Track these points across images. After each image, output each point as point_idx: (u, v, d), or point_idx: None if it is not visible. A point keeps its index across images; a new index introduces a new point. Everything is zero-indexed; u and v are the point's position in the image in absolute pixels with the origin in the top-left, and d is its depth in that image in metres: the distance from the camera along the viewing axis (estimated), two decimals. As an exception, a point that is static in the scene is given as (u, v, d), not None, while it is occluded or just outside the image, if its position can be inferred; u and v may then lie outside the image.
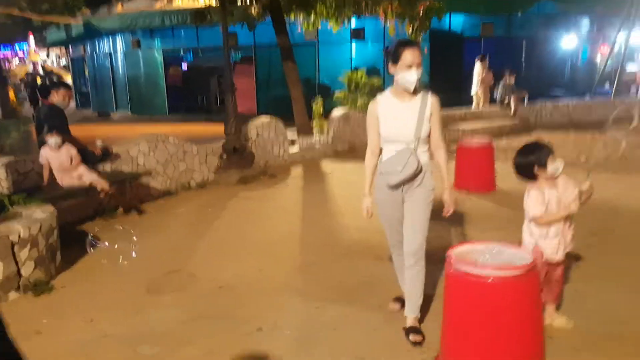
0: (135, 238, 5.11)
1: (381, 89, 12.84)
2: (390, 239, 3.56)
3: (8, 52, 34.72)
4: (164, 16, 16.32)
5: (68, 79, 25.39)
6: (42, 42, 28.59)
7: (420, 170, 3.25)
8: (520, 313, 2.68)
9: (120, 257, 4.66)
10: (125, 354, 3.37)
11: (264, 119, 9.65)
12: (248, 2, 11.32)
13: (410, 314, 3.40)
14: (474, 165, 7.34)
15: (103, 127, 15.97)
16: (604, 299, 3.76)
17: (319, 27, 11.63)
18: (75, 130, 6.55)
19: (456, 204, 3.46)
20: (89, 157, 6.37)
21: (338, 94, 12.61)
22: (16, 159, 6.01)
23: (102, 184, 6.01)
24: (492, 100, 14.14)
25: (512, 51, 18.07)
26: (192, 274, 4.63)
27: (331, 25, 10.96)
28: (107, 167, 6.74)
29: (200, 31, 17.00)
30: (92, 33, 19.07)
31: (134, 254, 4.64)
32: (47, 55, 36.04)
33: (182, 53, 19.94)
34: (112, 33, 19.03)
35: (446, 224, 5.28)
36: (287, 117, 10.47)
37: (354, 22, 14.37)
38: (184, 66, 20.39)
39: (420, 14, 10.95)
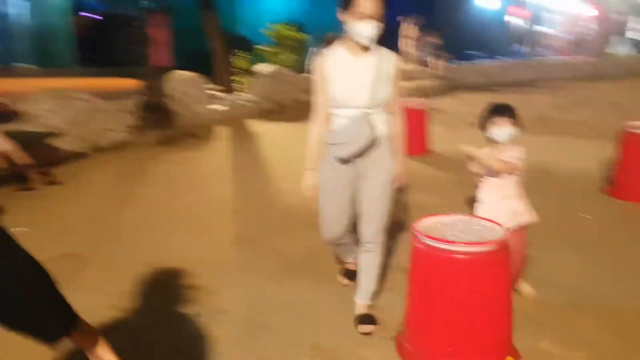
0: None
1: (309, 44, 12.37)
2: (333, 226, 3.01)
3: None
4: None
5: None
6: None
7: (378, 141, 2.82)
8: (493, 289, 2.49)
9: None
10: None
11: (184, 74, 8.95)
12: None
13: (363, 301, 3.06)
14: (407, 128, 7.16)
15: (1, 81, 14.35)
16: (557, 266, 3.70)
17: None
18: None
19: (406, 177, 3.05)
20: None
21: (263, 48, 11.98)
22: None
23: (18, 156, 5.24)
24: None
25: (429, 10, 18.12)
26: (114, 252, 4.12)
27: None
28: (4, 127, 5.90)
29: (110, -24, 15.57)
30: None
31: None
32: None
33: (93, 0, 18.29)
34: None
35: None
36: (207, 73, 9.76)
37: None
38: (96, 15, 18.69)
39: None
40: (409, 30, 13.59)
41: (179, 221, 4.76)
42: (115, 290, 3.43)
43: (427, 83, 12.85)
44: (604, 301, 3.22)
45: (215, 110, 9.48)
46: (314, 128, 2.93)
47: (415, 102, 7.29)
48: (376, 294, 3.12)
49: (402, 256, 3.81)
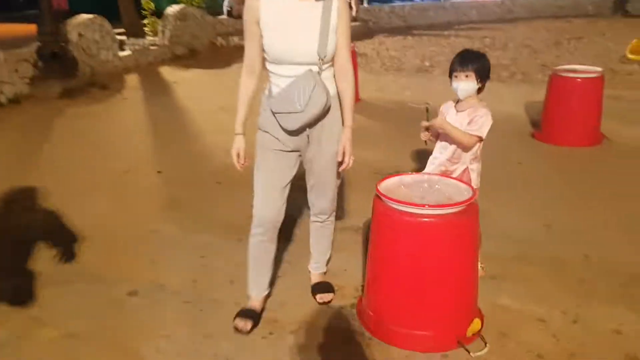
0: None
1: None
2: (268, 206, 2.46)
3: None
4: None
5: None
6: None
7: (330, 106, 2.34)
8: (463, 252, 2.36)
9: None
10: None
11: (86, 17, 8.05)
12: None
13: (317, 271, 2.85)
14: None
15: None
16: (504, 216, 3.66)
17: None
18: None
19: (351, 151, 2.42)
20: None
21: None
22: None
23: None
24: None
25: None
26: (26, 223, 3.63)
27: None
28: None
29: None
30: None
31: None
32: None
33: None
34: None
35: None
36: (109, 16, 8.80)
37: None
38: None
39: None
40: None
41: (98, 185, 4.29)
42: (34, 269, 3.00)
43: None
44: (554, 253, 3.22)
45: (123, 57, 8.67)
46: (244, 83, 2.42)
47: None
48: (329, 260, 2.92)
49: (352, 216, 3.64)
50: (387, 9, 15.42)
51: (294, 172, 2.50)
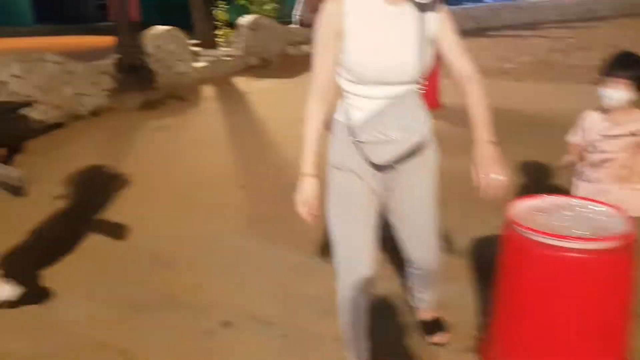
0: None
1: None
2: (357, 260, 1.96)
3: None
4: None
5: None
6: None
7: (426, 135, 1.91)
8: (614, 296, 1.98)
9: None
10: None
11: (162, 29, 8.09)
12: None
13: (429, 308, 2.43)
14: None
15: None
16: None
17: None
18: None
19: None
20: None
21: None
22: None
23: None
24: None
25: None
26: (111, 240, 3.51)
27: None
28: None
29: None
30: None
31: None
32: None
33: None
34: None
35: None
36: (179, 27, 8.78)
37: None
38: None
39: None
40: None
41: (179, 198, 4.17)
42: (116, 292, 2.85)
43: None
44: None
45: (198, 68, 8.68)
46: (314, 111, 1.89)
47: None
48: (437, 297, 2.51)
49: (454, 235, 3.28)
50: (459, 10, 14.88)
51: (377, 214, 2.03)
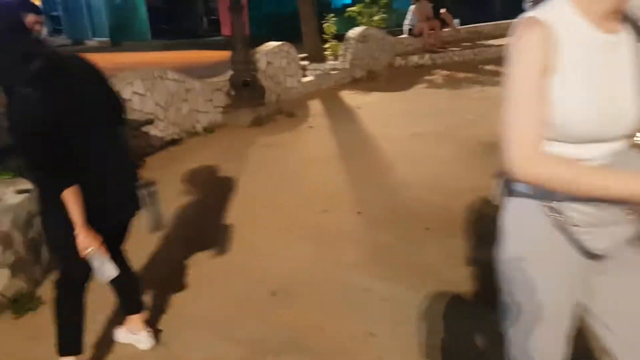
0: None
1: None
2: (541, 346, 1.53)
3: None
4: None
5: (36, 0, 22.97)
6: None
7: None
8: None
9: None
10: None
11: (274, 44, 8.14)
12: None
13: None
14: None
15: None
16: None
17: None
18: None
19: None
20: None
21: (352, 9, 10.84)
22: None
23: None
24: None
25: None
26: (226, 269, 3.45)
27: None
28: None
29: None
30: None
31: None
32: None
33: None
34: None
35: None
36: (289, 40, 8.76)
37: None
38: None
39: None
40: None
41: (291, 222, 4.05)
42: (236, 330, 2.74)
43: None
44: None
45: (304, 82, 8.65)
46: (554, 157, 1.35)
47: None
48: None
49: None
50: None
51: (577, 294, 1.53)
